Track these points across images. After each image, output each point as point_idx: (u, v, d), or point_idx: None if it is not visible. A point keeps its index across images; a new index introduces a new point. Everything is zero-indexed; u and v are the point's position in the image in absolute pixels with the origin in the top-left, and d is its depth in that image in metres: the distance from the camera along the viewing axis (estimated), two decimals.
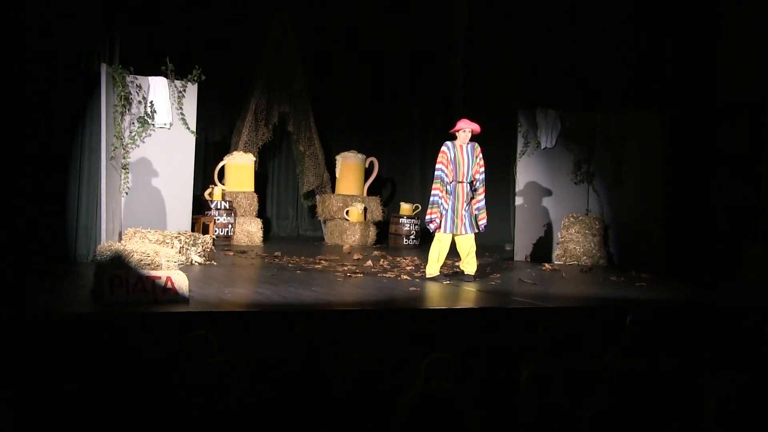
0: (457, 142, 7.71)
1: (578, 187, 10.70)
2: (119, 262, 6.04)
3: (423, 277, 8.01)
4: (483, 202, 7.83)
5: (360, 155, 12.86)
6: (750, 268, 9.13)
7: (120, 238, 8.38)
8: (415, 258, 9.95)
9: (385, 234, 12.54)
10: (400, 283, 7.57)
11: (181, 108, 9.10)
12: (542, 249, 10.55)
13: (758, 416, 2.54)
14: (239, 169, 11.80)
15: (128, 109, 8.71)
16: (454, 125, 7.86)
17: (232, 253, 9.82)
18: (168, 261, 6.46)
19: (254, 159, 12.07)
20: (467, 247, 7.79)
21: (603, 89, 11.30)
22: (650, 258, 10.13)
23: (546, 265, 9.86)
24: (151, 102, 8.86)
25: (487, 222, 7.98)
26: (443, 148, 7.73)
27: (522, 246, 10.62)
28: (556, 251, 10.38)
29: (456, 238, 7.75)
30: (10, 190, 7.62)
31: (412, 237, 12.25)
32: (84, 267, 7.49)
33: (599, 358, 4.14)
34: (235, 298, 6.43)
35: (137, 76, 8.78)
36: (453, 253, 7.96)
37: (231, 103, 12.61)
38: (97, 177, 8.09)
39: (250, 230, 11.32)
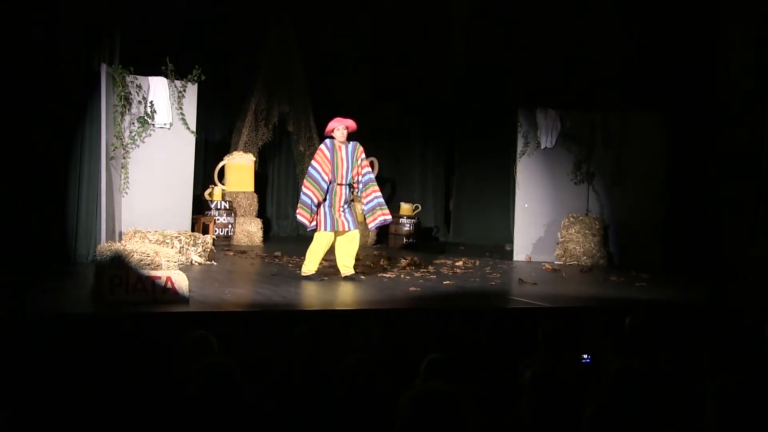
0: (336, 142, 7.39)
1: (578, 187, 10.70)
2: (119, 262, 6.06)
3: (424, 277, 8.02)
4: (377, 200, 7.50)
5: None
6: (750, 268, 9.13)
7: (120, 238, 8.39)
8: (416, 258, 9.94)
9: (385, 234, 12.54)
10: (400, 283, 7.57)
11: (181, 108, 9.10)
12: (542, 249, 10.55)
13: (758, 416, 2.54)
14: (239, 169, 11.80)
15: (128, 109, 8.71)
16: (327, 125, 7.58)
17: (232, 253, 9.82)
18: (168, 261, 6.48)
19: (254, 159, 12.06)
20: (349, 244, 7.48)
21: (603, 89, 11.29)
22: (650, 258, 10.12)
23: (546, 265, 9.86)
24: (151, 102, 8.86)
25: (391, 220, 7.77)
26: (321, 146, 7.43)
27: (522, 246, 10.61)
28: (556, 251, 10.38)
29: (338, 236, 7.47)
30: (10, 190, 7.62)
31: (412, 237, 12.25)
32: (84, 267, 7.50)
33: (599, 358, 4.14)
34: (235, 298, 6.43)
35: (137, 76, 8.78)
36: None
37: (231, 103, 12.60)
38: (97, 177, 8.09)
39: (250, 230, 11.31)
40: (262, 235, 11.52)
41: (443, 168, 14.50)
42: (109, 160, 8.27)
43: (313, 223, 7.36)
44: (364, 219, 7.71)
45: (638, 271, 9.16)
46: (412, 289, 7.20)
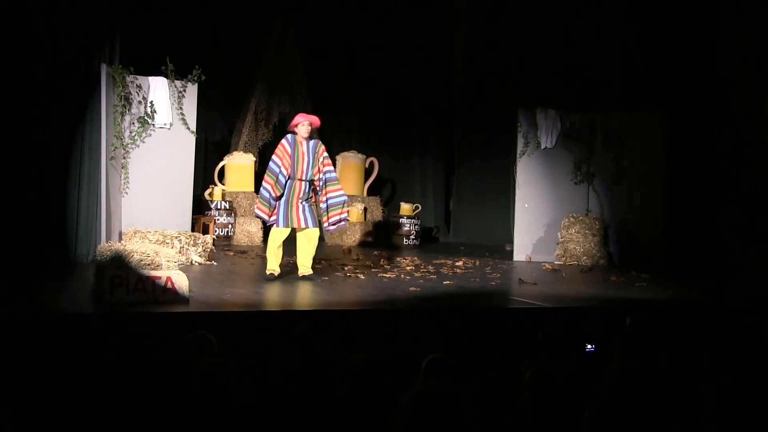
0: (298, 137, 7.29)
1: (578, 187, 10.70)
2: (119, 262, 6.06)
3: (424, 277, 8.01)
4: (338, 199, 7.40)
5: (360, 155, 12.86)
6: (750, 268, 9.13)
7: (120, 238, 8.39)
8: (415, 258, 9.95)
9: (385, 234, 12.54)
10: (400, 283, 7.57)
11: (181, 108, 9.10)
12: (542, 249, 10.56)
13: (757, 416, 2.54)
14: (239, 169, 11.81)
15: (128, 109, 8.71)
16: (291, 120, 7.47)
17: (232, 253, 9.82)
18: (168, 261, 6.48)
19: (254, 159, 12.06)
20: (308, 243, 7.36)
21: (603, 89, 11.30)
22: (650, 258, 10.13)
23: (546, 265, 9.86)
24: (151, 102, 8.87)
25: (347, 220, 7.66)
26: (282, 141, 7.32)
27: (522, 246, 10.62)
28: (556, 251, 10.39)
29: (297, 233, 7.38)
30: (10, 190, 7.62)
31: (412, 237, 12.25)
32: (84, 267, 7.50)
33: (599, 358, 4.14)
34: (235, 298, 6.43)
35: (137, 76, 8.78)
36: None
37: (231, 103, 12.60)
38: (97, 177, 8.09)
39: (250, 230, 11.31)
40: (262, 235, 11.51)
41: (443, 168, 14.51)
42: (109, 160, 8.27)
43: (273, 217, 7.26)
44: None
45: (638, 271, 9.16)
46: (412, 289, 7.20)
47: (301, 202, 7.25)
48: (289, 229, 7.30)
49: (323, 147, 7.43)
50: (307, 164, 7.26)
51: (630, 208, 10.56)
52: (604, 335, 4.95)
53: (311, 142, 7.34)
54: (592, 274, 9.29)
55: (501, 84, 12.88)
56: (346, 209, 7.51)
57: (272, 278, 7.27)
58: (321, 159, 7.33)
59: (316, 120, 7.43)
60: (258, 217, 7.43)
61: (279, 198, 7.22)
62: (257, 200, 7.35)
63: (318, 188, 7.44)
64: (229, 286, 6.92)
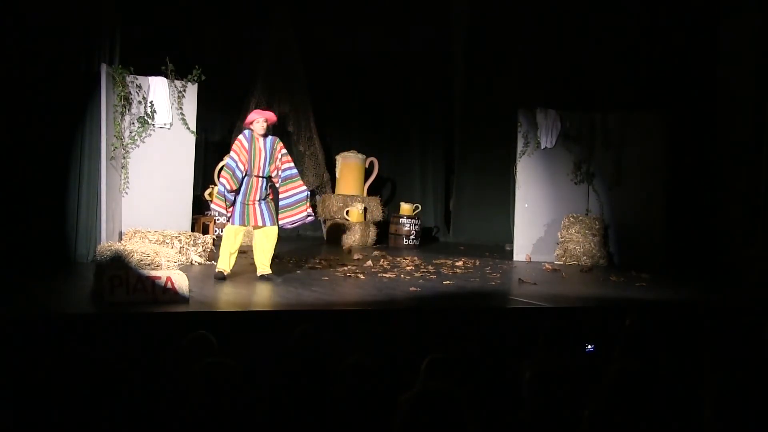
0: (254, 134, 7.24)
1: (578, 187, 10.71)
2: (119, 262, 6.05)
3: (424, 277, 8.01)
4: (298, 196, 7.32)
5: (360, 155, 12.86)
6: (750, 268, 9.13)
7: (120, 238, 8.38)
8: (415, 258, 9.95)
9: (385, 234, 12.54)
10: (400, 283, 7.57)
11: (181, 108, 9.09)
12: (542, 249, 10.56)
13: (757, 416, 2.54)
14: None
15: (128, 109, 8.71)
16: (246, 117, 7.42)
17: None
18: (168, 261, 6.47)
19: None
20: (266, 241, 7.30)
21: (603, 89, 11.30)
22: (650, 258, 10.13)
23: (546, 265, 9.86)
24: (151, 102, 8.86)
25: (310, 219, 7.53)
26: (240, 137, 7.28)
27: (522, 246, 10.62)
28: (556, 251, 10.39)
29: (255, 231, 7.34)
30: (10, 189, 7.62)
31: (412, 237, 12.24)
32: (84, 267, 7.50)
33: (599, 358, 4.14)
34: (235, 298, 6.43)
35: (137, 76, 8.78)
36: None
37: (231, 103, 12.60)
38: (97, 177, 8.09)
39: (250, 230, 11.30)
40: None
41: (443, 168, 14.50)
42: (109, 160, 8.27)
43: (231, 213, 7.20)
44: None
45: (638, 271, 9.17)
46: (412, 289, 7.20)
47: (259, 200, 7.18)
48: (244, 228, 7.24)
49: (281, 144, 7.38)
50: (264, 160, 7.20)
51: (630, 208, 10.56)
52: (604, 335, 4.96)
53: (269, 139, 7.29)
54: (592, 274, 9.29)
55: (501, 84, 12.87)
56: (308, 205, 7.39)
57: (222, 277, 7.14)
58: (279, 156, 7.27)
59: (272, 116, 7.40)
60: (216, 212, 7.35)
61: (235, 191, 7.13)
62: (216, 198, 7.26)
63: (277, 185, 7.35)
64: (229, 286, 6.92)
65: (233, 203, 7.17)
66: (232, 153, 7.24)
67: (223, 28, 12.16)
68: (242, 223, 7.18)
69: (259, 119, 7.25)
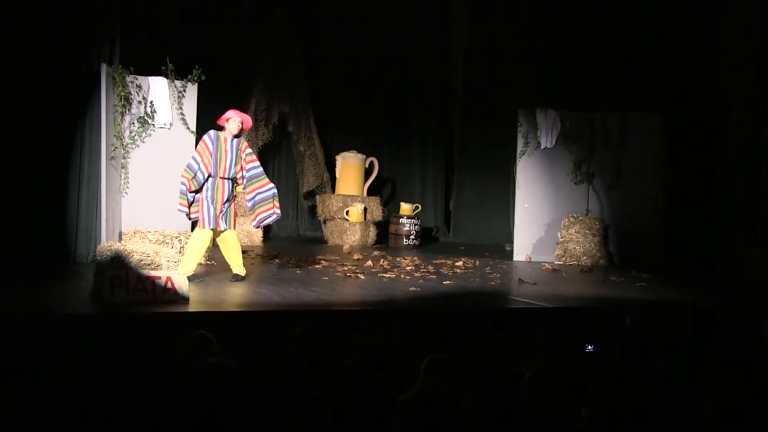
0: (223, 134, 7.07)
1: (578, 187, 10.71)
2: (119, 262, 6.05)
3: (424, 277, 8.01)
4: (260, 196, 7.15)
5: (360, 155, 12.86)
6: (750, 268, 9.13)
7: (120, 238, 8.38)
8: (415, 258, 9.95)
9: (385, 234, 12.54)
10: (400, 283, 7.57)
11: (181, 108, 9.09)
12: (542, 249, 10.56)
13: (757, 416, 2.55)
14: None
15: (128, 109, 8.71)
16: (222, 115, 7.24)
17: None
18: (168, 261, 6.47)
19: None
20: (225, 244, 7.17)
21: (603, 89, 11.30)
22: (650, 258, 10.13)
23: (546, 265, 9.86)
24: (151, 102, 8.86)
25: (276, 218, 7.31)
26: (205, 137, 7.09)
27: (522, 246, 10.62)
28: (556, 251, 10.39)
29: (214, 235, 7.15)
30: (10, 190, 7.63)
31: (412, 237, 12.25)
32: (84, 267, 7.50)
33: (599, 358, 4.14)
34: (235, 298, 6.43)
35: (137, 76, 8.78)
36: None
37: (231, 103, 12.54)
38: (97, 177, 8.09)
39: (249, 230, 11.31)
40: (262, 235, 11.52)
41: (443, 168, 14.50)
42: (109, 160, 8.27)
43: (196, 214, 7.04)
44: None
45: (638, 271, 9.16)
46: (412, 289, 7.20)
47: (225, 204, 7.04)
48: (211, 231, 7.07)
49: (246, 144, 7.25)
50: (230, 162, 7.04)
51: (630, 208, 10.56)
52: (604, 335, 4.96)
53: (235, 141, 7.12)
54: (592, 274, 9.29)
55: (501, 84, 12.87)
56: (276, 204, 7.24)
57: (195, 279, 6.93)
58: (244, 156, 7.14)
59: (248, 121, 7.30)
60: (180, 212, 7.14)
61: (196, 192, 7.00)
62: (179, 197, 7.08)
63: (242, 187, 7.23)
64: (229, 286, 6.92)
65: (201, 207, 7.01)
66: (195, 154, 7.08)
67: (223, 28, 12.16)
68: (213, 227, 7.04)
69: (236, 118, 7.10)
